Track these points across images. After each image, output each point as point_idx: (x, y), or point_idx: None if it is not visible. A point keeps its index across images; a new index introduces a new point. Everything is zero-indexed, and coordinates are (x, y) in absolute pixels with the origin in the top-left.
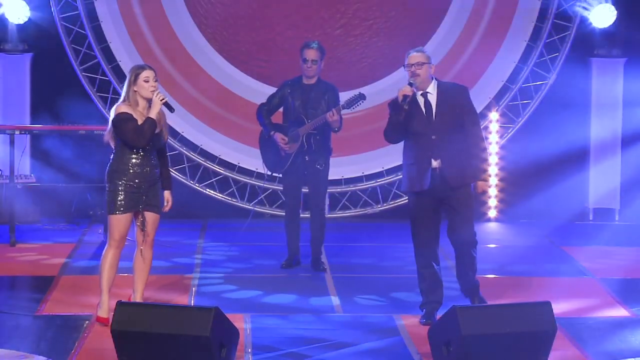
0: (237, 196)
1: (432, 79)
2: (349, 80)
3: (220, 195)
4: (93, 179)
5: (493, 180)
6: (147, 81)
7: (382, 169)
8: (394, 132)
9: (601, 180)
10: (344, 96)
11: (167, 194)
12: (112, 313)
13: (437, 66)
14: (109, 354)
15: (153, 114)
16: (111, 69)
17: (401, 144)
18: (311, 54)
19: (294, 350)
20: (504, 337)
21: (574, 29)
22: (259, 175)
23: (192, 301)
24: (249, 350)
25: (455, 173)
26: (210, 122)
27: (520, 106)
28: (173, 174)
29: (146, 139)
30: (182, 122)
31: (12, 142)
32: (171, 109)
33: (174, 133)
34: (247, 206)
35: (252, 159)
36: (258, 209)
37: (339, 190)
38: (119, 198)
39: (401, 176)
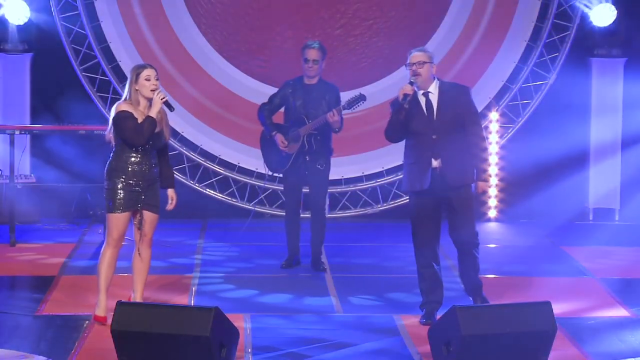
0: (237, 196)
1: (434, 79)
2: (348, 80)
3: (220, 195)
4: (93, 179)
5: (493, 180)
6: (148, 80)
7: (382, 169)
8: (394, 131)
9: (601, 180)
10: (345, 96)
11: (171, 191)
12: (112, 313)
13: (437, 66)
14: (109, 354)
15: (153, 113)
16: (111, 69)
17: (402, 144)
18: (312, 54)
19: (294, 350)
20: (504, 337)
21: (574, 29)
22: (259, 175)
23: (192, 301)
24: (249, 350)
25: (456, 173)
26: (210, 122)
27: (520, 106)
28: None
29: (145, 138)
30: (182, 122)
31: (12, 142)
32: (171, 108)
33: (174, 133)
34: (247, 206)
35: (252, 159)
36: (258, 209)
37: (339, 190)
38: (118, 197)
39: (401, 176)
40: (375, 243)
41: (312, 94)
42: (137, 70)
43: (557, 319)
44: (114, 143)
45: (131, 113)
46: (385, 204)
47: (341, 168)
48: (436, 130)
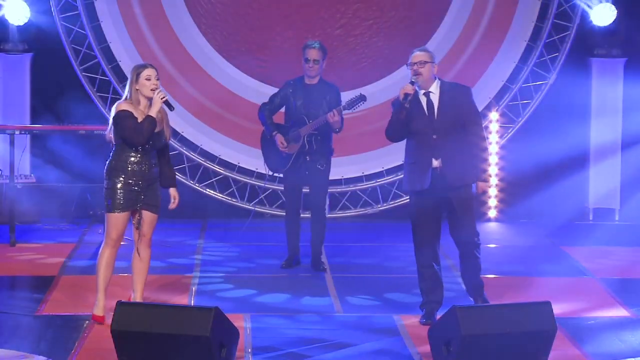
0: (237, 196)
1: (435, 79)
2: (348, 80)
3: (220, 195)
4: (93, 179)
5: (493, 180)
6: (148, 79)
7: (382, 169)
8: (395, 131)
9: (601, 180)
10: (345, 96)
11: (173, 191)
12: (112, 313)
13: (437, 66)
14: (109, 354)
15: (153, 112)
16: (111, 69)
17: (402, 144)
18: (313, 53)
19: (294, 350)
20: (504, 337)
21: (574, 29)
22: (259, 175)
23: (192, 301)
24: (249, 350)
25: (456, 173)
26: (210, 122)
27: (520, 106)
28: None
29: (145, 137)
30: (182, 122)
31: (12, 142)
32: (171, 107)
33: (174, 133)
34: (247, 206)
35: (252, 159)
36: (258, 209)
37: (339, 190)
38: (117, 196)
39: (401, 176)
40: (375, 243)
41: (312, 94)
42: (138, 69)
43: (557, 319)
44: (114, 142)
45: (131, 112)
46: (385, 204)
47: (341, 168)
48: (437, 130)
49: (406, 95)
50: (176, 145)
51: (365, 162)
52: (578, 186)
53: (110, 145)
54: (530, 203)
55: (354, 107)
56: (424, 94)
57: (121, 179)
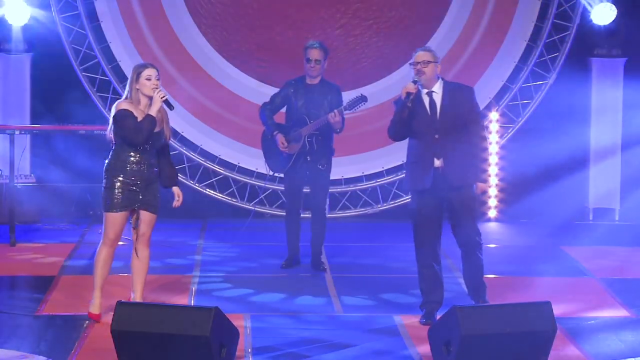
0: (237, 196)
1: (438, 79)
2: (348, 80)
3: (220, 195)
4: (93, 178)
5: (493, 180)
6: (149, 79)
7: (382, 169)
8: (397, 130)
9: (601, 180)
10: (345, 97)
11: (176, 189)
12: (112, 313)
13: (440, 66)
14: (109, 354)
15: (153, 112)
16: (111, 69)
17: (402, 144)
18: (315, 53)
19: (294, 350)
20: (504, 337)
21: (574, 28)
22: (259, 175)
23: (192, 301)
24: (249, 350)
25: (458, 173)
26: (210, 122)
27: (520, 106)
28: None
29: (145, 136)
30: (182, 122)
31: (12, 142)
32: (171, 107)
33: (174, 133)
34: (247, 206)
35: (252, 159)
36: (258, 209)
37: (339, 190)
38: (116, 196)
39: (401, 176)
40: (375, 243)
41: (313, 94)
42: (139, 69)
43: (557, 319)
44: (113, 142)
45: (131, 112)
46: (385, 204)
47: (341, 168)
48: (439, 130)
49: (408, 94)
50: (176, 145)
51: (365, 162)
52: (578, 186)
53: (110, 144)
54: (531, 203)
55: (355, 108)
56: (427, 93)
57: (120, 178)
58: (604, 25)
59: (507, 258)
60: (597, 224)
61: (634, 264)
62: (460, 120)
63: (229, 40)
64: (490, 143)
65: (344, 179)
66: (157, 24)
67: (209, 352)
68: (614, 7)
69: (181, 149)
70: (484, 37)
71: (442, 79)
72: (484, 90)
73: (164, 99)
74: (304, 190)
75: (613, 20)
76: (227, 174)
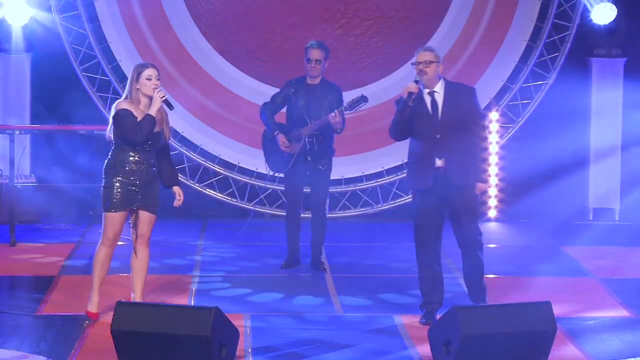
0: (237, 196)
1: (440, 79)
2: (348, 80)
3: (220, 195)
4: (93, 178)
5: (493, 180)
6: (149, 79)
7: (382, 169)
8: (399, 130)
9: (601, 180)
10: (345, 97)
11: (176, 188)
12: (112, 313)
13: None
14: (109, 354)
15: (153, 111)
16: (111, 69)
17: (402, 144)
18: (315, 53)
19: (294, 350)
20: (504, 337)
21: (574, 28)
22: (259, 175)
23: (192, 301)
24: (249, 350)
25: (459, 173)
26: (210, 122)
27: (520, 106)
28: None
29: (144, 136)
30: (182, 122)
31: (12, 142)
32: (170, 107)
33: (174, 133)
34: (247, 206)
35: (252, 159)
36: (258, 209)
37: (339, 190)
38: (115, 196)
39: (401, 176)
40: (375, 243)
41: (314, 94)
42: (139, 69)
43: (557, 319)
44: (113, 141)
45: (131, 111)
46: (385, 204)
47: (341, 168)
48: (440, 130)
49: (410, 93)
50: (176, 145)
51: (365, 162)
52: (578, 186)
53: (110, 144)
54: (531, 203)
55: (356, 108)
56: (429, 93)
57: (119, 178)
58: (604, 25)
59: (507, 258)
60: (597, 223)
61: (634, 264)
62: (461, 121)
63: (229, 40)
64: (491, 143)
65: (344, 179)
66: (157, 24)
67: (209, 352)
68: (614, 7)
69: (181, 149)
70: (484, 37)
71: (444, 79)
72: (484, 90)
73: (163, 99)
74: (304, 190)
75: (613, 20)
76: (227, 174)
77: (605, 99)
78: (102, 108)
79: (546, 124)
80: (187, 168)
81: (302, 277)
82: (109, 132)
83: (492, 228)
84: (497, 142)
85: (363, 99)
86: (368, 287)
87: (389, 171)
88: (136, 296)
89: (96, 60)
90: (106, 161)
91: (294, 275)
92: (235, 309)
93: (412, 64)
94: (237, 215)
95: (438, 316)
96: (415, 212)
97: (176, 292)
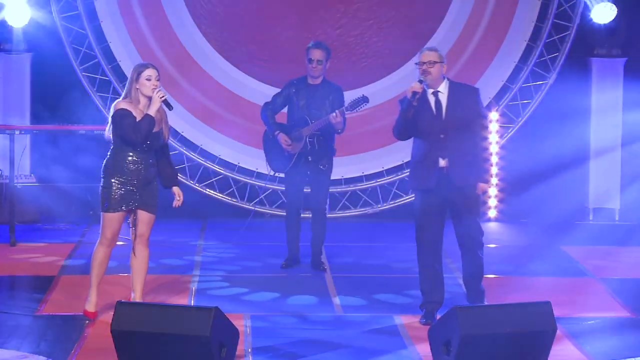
0: (237, 196)
1: (444, 79)
2: (348, 80)
3: (220, 195)
4: (93, 178)
5: (493, 180)
6: (149, 79)
7: (382, 169)
8: (402, 129)
9: (601, 180)
10: (346, 97)
11: (176, 189)
12: (112, 312)
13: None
14: (109, 354)
15: (152, 111)
16: (111, 69)
17: (402, 143)
18: (317, 54)
19: (294, 350)
20: (504, 337)
21: (574, 28)
22: (259, 175)
23: (192, 301)
24: (249, 350)
25: (462, 172)
26: (210, 122)
27: (520, 106)
28: None
29: (143, 136)
30: (182, 122)
31: (12, 142)
32: (170, 107)
33: (174, 133)
34: (247, 206)
35: (252, 159)
36: (258, 209)
37: (339, 190)
38: (113, 196)
39: (401, 176)
40: (375, 243)
41: (315, 95)
42: (139, 69)
43: (557, 319)
44: (112, 141)
45: (130, 111)
46: (385, 204)
47: (341, 168)
48: (444, 130)
49: (414, 93)
50: (176, 145)
51: (365, 162)
52: (578, 186)
53: (110, 144)
54: (531, 203)
55: (357, 109)
56: (432, 93)
57: (117, 178)
58: (604, 25)
59: (507, 258)
60: (597, 224)
61: (634, 264)
62: (465, 121)
63: (229, 40)
64: (490, 143)
65: (344, 179)
66: (157, 24)
67: (209, 352)
68: (614, 7)
69: (181, 149)
70: (484, 37)
71: (448, 79)
72: (484, 90)
73: (163, 99)
74: (305, 190)
75: (613, 20)
76: (227, 174)
77: (605, 99)
78: (102, 108)
79: (546, 124)
80: (187, 168)
81: (302, 277)
82: (108, 132)
83: (492, 228)
84: (497, 142)
85: (364, 99)
86: (368, 287)
87: (389, 171)
88: (136, 296)
89: (96, 60)
90: (105, 161)
91: (294, 275)
92: (235, 309)
93: (415, 64)
94: (237, 215)
95: (438, 316)
96: (416, 211)
97: (176, 292)
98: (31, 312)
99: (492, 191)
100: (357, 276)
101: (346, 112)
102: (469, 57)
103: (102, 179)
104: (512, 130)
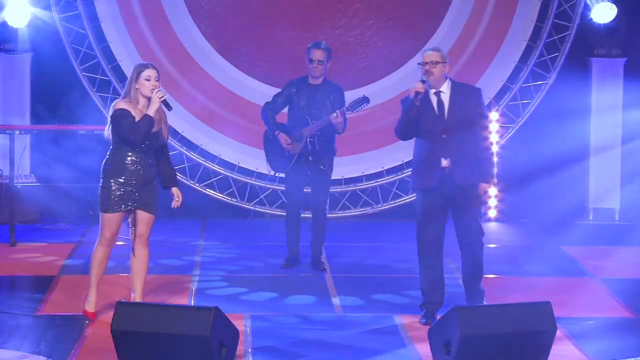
0: (237, 196)
1: (446, 79)
2: (348, 80)
3: (220, 195)
4: (93, 178)
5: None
6: (148, 80)
7: (382, 169)
8: (404, 129)
9: (601, 180)
10: (347, 97)
11: (175, 190)
12: (112, 312)
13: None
14: (109, 354)
15: (151, 111)
16: (111, 69)
17: (402, 143)
18: (318, 54)
19: (294, 350)
20: (504, 337)
21: (574, 28)
22: (259, 175)
23: (192, 301)
24: (249, 350)
25: (464, 172)
26: (210, 122)
27: (520, 106)
28: None
29: (142, 136)
30: (182, 122)
31: (12, 142)
32: (169, 107)
33: (174, 133)
34: (247, 206)
35: (252, 159)
36: (258, 209)
37: (339, 190)
38: (112, 196)
39: (401, 176)
40: (375, 243)
41: (316, 94)
42: (139, 69)
43: (557, 319)
44: (111, 141)
45: (129, 111)
46: (385, 204)
47: (341, 168)
48: (446, 130)
49: (417, 93)
50: (176, 145)
51: (365, 162)
52: (578, 186)
53: (109, 144)
54: (531, 203)
55: (357, 109)
56: (435, 93)
57: (116, 178)
58: (604, 25)
59: (507, 258)
60: (597, 223)
61: (634, 264)
62: (467, 121)
63: (229, 40)
64: (491, 143)
65: (344, 179)
66: (157, 24)
67: (209, 352)
68: (614, 7)
69: (181, 149)
70: (484, 37)
71: (450, 79)
72: (484, 90)
73: (162, 99)
74: (305, 190)
75: (613, 20)
76: (227, 174)
77: (605, 99)
78: (102, 108)
79: (546, 124)
80: (187, 168)
81: (302, 277)
82: (107, 131)
83: (492, 228)
84: (497, 142)
85: (365, 99)
86: (368, 287)
87: (389, 171)
88: (136, 296)
89: (96, 60)
90: (104, 161)
91: (294, 275)
92: (235, 309)
93: (418, 64)
94: (237, 215)
95: (438, 316)
96: (418, 211)
97: (176, 292)
98: (31, 312)
99: (492, 191)
100: (357, 276)
101: (346, 112)
102: (469, 57)
103: (101, 179)
104: (512, 130)
